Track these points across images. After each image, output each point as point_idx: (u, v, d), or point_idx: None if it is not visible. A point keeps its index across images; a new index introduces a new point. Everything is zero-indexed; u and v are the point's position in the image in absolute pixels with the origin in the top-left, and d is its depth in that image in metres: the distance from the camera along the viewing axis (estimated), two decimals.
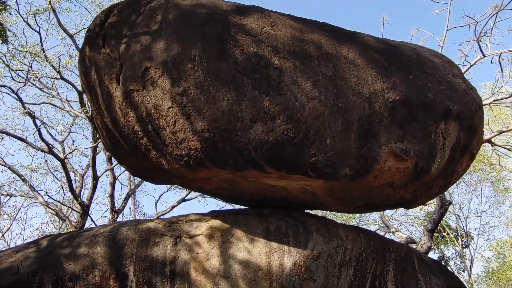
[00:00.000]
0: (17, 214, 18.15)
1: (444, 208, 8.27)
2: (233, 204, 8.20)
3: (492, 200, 20.15)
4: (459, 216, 20.09)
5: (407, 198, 5.29)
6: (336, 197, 5.00)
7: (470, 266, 19.67)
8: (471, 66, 9.05)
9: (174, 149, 4.49)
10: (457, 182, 20.71)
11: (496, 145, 10.19)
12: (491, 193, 20.49)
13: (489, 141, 9.19)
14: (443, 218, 21.32)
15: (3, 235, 17.23)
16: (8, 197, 15.82)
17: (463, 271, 21.02)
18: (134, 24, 4.77)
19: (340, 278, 4.99)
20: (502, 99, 8.97)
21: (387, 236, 11.94)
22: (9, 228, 17.19)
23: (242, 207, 5.84)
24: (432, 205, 15.09)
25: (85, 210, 11.79)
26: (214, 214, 5.18)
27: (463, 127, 4.93)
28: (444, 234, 20.69)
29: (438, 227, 20.56)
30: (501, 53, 8.85)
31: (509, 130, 9.23)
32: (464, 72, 8.99)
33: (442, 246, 21.49)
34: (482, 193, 20.15)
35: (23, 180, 12.46)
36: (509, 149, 10.39)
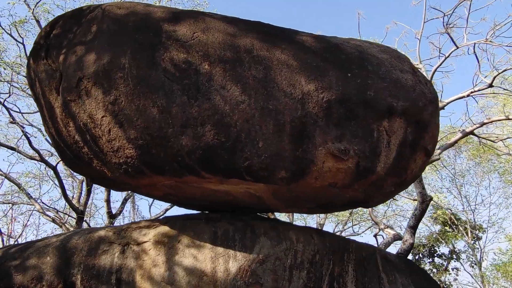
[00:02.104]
0: (28, 220, 18.48)
1: (425, 203, 8.10)
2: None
3: (500, 192, 19.69)
4: (464, 208, 19.71)
5: (360, 198, 5.20)
6: (282, 199, 4.95)
7: (480, 259, 19.27)
8: (446, 58, 8.84)
9: (112, 157, 4.50)
10: (464, 174, 20.36)
11: (480, 137, 9.94)
12: (499, 184, 20.05)
13: (472, 133, 8.97)
14: (452, 211, 20.97)
15: (16, 241, 17.57)
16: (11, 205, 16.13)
17: (475, 265, 20.64)
18: (74, 35, 4.79)
19: (292, 281, 4.94)
20: (479, 90, 8.74)
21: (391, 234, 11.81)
22: (21, 234, 17.51)
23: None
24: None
25: (80, 216, 11.92)
26: (163, 220, 5.18)
27: (411, 123, 4.82)
28: (453, 227, 20.33)
29: (447, 220, 20.25)
30: (474, 43, 8.60)
31: (491, 122, 9.01)
32: (440, 64, 8.83)
33: (452, 240, 21.14)
34: (490, 184, 19.70)
35: (20, 188, 12.67)
36: (493, 141, 10.13)
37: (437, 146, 9.55)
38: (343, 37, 5.25)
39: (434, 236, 21.12)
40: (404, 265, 6.10)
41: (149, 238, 4.92)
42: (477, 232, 21.96)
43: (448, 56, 8.73)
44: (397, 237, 9.86)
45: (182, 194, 5.01)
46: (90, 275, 4.77)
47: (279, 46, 4.47)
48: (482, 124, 8.97)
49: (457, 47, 8.53)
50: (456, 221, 20.08)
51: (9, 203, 14.17)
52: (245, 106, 4.20)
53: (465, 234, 19.42)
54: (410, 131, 4.83)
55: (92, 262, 4.83)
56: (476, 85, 8.64)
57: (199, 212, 5.54)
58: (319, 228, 16.85)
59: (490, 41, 8.68)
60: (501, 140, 10.39)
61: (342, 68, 4.55)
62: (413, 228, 8.20)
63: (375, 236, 10.84)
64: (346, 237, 6.29)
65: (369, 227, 16.45)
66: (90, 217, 15.86)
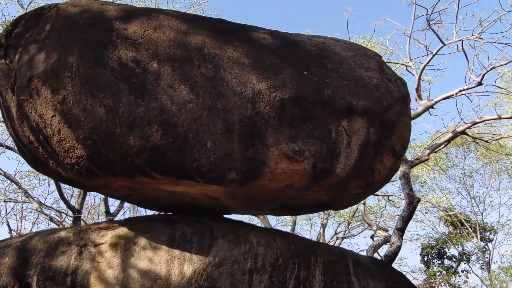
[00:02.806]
0: (36, 219, 18.69)
1: (412, 205, 7.87)
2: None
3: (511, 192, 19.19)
4: (473, 209, 19.28)
5: (325, 200, 5.04)
6: (240, 200, 4.83)
7: (489, 261, 18.83)
8: (433, 56, 8.54)
9: (64, 158, 4.44)
10: (471, 175, 19.90)
11: (473, 137, 9.61)
12: (509, 185, 19.55)
13: (464, 133, 8.68)
14: (461, 212, 20.52)
15: None
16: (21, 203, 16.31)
17: (485, 267, 20.21)
18: (31, 34, 4.74)
19: (252, 285, 4.82)
20: (468, 88, 8.44)
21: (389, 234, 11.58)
22: (30, 231, 17.72)
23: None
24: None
25: (76, 215, 11.97)
26: (123, 222, 5.11)
27: (373, 123, 4.65)
28: (462, 229, 19.94)
29: (456, 222, 19.83)
30: (462, 40, 8.29)
31: (483, 121, 8.70)
32: (428, 62, 8.55)
33: (462, 241, 20.74)
34: (500, 186, 19.24)
35: (19, 186, 12.79)
36: (486, 141, 9.78)
37: (426, 146, 9.32)
38: (308, 35, 5.11)
39: (443, 237, 20.74)
40: (378, 269, 5.91)
41: (106, 240, 4.85)
42: (488, 234, 21.50)
43: (435, 54, 8.44)
44: (388, 239, 9.63)
45: (140, 195, 4.93)
46: (46, 277, 4.72)
47: (232, 43, 4.35)
48: (474, 124, 8.69)
49: (444, 44, 8.25)
50: (465, 223, 19.67)
51: (9, 201, 14.31)
52: (192, 105, 4.09)
53: (474, 235, 18.99)
54: (373, 131, 4.66)
55: (49, 264, 4.78)
56: (469, 83, 8.35)
57: (161, 213, 5.45)
58: (323, 226, 16.67)
59: (479, 38, 8.38)
60: (495, 140, 10.06)
61: (298, 66, 4.40)
62: (400, 230, 7.99)
63: (372, 237, 10.61)
64: (317, 240, 6.11)
65: (365, 229, 16.17)
66: (88, 216, 15.93)
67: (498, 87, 9.02)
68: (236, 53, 4.28)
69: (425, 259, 21.51)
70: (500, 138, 10.16)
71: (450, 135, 8.48)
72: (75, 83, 4.18)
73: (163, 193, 4.77)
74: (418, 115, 8.60)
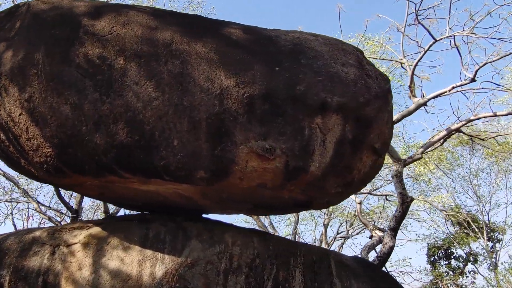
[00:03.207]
0: (42, 218, 18.75)
1: (405, 205, 7.70)
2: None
3: None
4: (479, 209, 18.97)
5: (303, 199, 4.92)
6: (214, 200, 4.73)
7: (496, 262, 18.50)
8: (426, 52, 8.32)
9: (33, 156, 4.38)
10: (476, 174, 19.57)
11: (468, 135, 9.38)
12: None
13: (458, 130, 8.47)
14: (468, 212, 20.19)
15: None
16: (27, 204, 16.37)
17: (491, 268, 19.87)
18: (3, 32, 4.69)
19: (227, 286, 4.72)
20: (461, 85, 8.22)
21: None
22: None
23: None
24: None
25: (74, 215, 11.96)
26: (98, 221, 5.04)
27: (349, 120, 4.52)
28: (469, 229, 19.62)
29: (463, 221, 19.53)
30: (454, 35, 8.07)
31: (478, 118, 8.48)
32: (420, 58, 8.35)
33: (469, 241, 20.41)
34: (507, 185, 18.88)
35: (17, 186, 12.83)
36: (482, 139, 9.53)
37: (420, 145, 9.12)
38: (285, 30, 4.98)
39: (449, 237, 20.43)
40: (364, 270, 5.77)
41: (79, 240, 4.78)
42: (496, 234, 21.15)
43: (427, 50, 8.24)
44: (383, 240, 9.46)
45: (114, 194, 4.85)
46: (19, 277, 4.66)
47: (201, 39, 4.25)
48: (469, 121, 8.47)
49: (435, 40, 8.05)
50: (472, 223, 19.36)
51: (8, 201, 14.36)
52: (158, 102, 4.00)
53: (480, 235, 18.68)
54: (349, 128, 4.53)
55: (22, 264, 4.72)
56: (465, 79, 8.14)
57: (138, 213, 5.37)
58: (325, 226, 16.51)
59: (472, 33, 8.15)
60: (492, 138, 9.80)
61: (270, 62, 4.29)
62: (393, 230, 7.84)
63: (370, 238, 10.44)
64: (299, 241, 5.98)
65: (363, 229, 15.96)
66: (88, 217, 15.95)
67: (495, 83, 8.81)
68: (205, 49, 4.19)
69: (432, 259, 21.23)
70: (497, 136, 9.91)
71: (444, 133, 8.29)
72: (41, 80, 4.12)
73: (135, 192, 4.69)
74: (410, 112, 8.41)
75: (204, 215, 5.48)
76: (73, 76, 4.08)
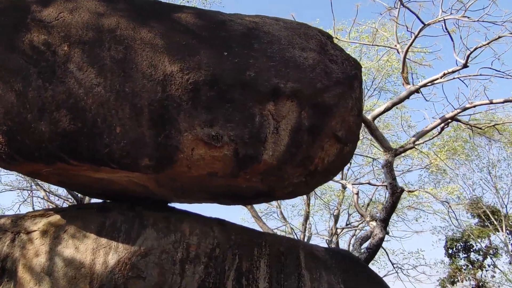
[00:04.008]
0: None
1: (395, 196, 7.46)
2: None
3: None
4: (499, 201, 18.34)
5: (263, 189, 4.80)
6: (170, 189, 4.66)
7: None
8: (416, 37, 7.95)
9: None
10: (494, 165, 18.87)
11: (465, 123, 8.97)
12: None
13: (455, 119, 8.11)
14: (487, 204, 19.55)
15: None
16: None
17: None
18: None
19: (184, 276, 4.64)
20: (453, 71, 7.83)
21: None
22: None
23: None
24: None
25: (79, 204, 12.14)
26: (59, 209, 5.05)
27: (306, 107, 4.37)
28: (489, 221, 19.05)
29: (483, 214, 18.95)
30: (444, 19, 7.68)
31: (473, 106, 8.09)
32: (411, 44, 7.99)
33: (489, 234, 19.84)
34: None
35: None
36: (480, 128, 9.07)
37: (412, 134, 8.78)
38: (244, 14, 4.84)
39: (469, 230, 19.88)
40: (336, 262, 5.61)
41: (38, 227, 4.79)
42: None
43: (417, 35, 7.86)
44: None
45: (73, 182, 4.85)
46: None
47: (148, 24, 4.16)
48: (464, 109, 8.11)
49: (424, 24, 7.68)
50: (491, 215, 18.77)
51: (17, 189, 14.64)
52: (100, 89, 3.94)
53: (499, 228, 18.09)
54: (305, 115, 4.38)
55: None
56: (465, 65, 7.77)
57: (102, 201, 5.35)
58: (335, 217, 16.29)
59: (464, 16, 7.74)
60: (489, 126, 9.36)
61: (218, 47, 4.17)
62: (383, 221, 7.62)
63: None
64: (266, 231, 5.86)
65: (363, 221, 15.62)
66: None
67: (495, 69, 8.38)
68: (151, 34, 4.09)
69: (450, 251, 20.74)
70: (495, 125, 9.46)
71: (438, 121, 7.97)
72: None
73: (91, 180, 4.66)
74: (401, 100, 8.11)
75: (173, 206, 5.42)
76: (18, 63, 4.06)
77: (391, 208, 7.54)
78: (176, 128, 3.98)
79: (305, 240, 16.09)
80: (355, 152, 15.23)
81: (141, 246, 4.53)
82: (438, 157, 12.18)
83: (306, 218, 16.38)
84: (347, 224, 16.00)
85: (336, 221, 16.04)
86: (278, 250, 5.26)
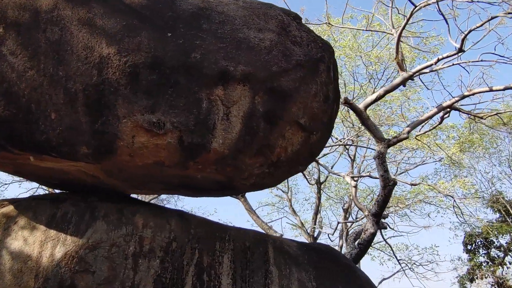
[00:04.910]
0: None
1: (387, 188, 7.06)
2: None
3: None
4: None
5: (221, 180, 4.53)
6: (121, 179, 4.43)
7: None
8: (408, 20, 7.40)
9: None
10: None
11: (464, 112, 8.39)
12: None
13: (453, 107, 7.59)
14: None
15: None
16: None
17: None
18: None
19: (138, 271, 4.42)
20: (447, 57, 7.29)
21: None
22: None
23: None
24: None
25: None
26: (14, 200, 4.88)
27: (260, 91, 4.06)
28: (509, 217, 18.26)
29: (504, 210, 18.20)
30: (437, 1, 7.11)
31: (472, 94, 7.54)
32: (403, 28, 7.45)
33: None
34: None
35: None
36: (481, 117, 8.45)
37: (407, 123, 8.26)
38: None
39: (489, 225, 19.13)
40: (308, 257, 5.30)
41: None
42: None
43: (409, 18, 7.32)
44: (381, 226, 8.83)
45: (26, 171, 4.67)
46: None
47: (88, 4, 3.91)
48: (463, 97, 7.58)
49: (415, 6, 7.19)
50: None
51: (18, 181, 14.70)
52: (33, 73, 3.72)
53: None
54: (260, 101, 4.08)
55: None
56: (467, 49, 7.25)
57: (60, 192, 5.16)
58: (344, 211, 15.87)
59: None
60: (491, 115, 8.74)
61: (162, 28, 3.90)
62: (375, 216, 7.25)
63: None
64: (225, 223, 5.57)
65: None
66: None
67: (498, 55, 7.80)
68: (90, 15, 3.85)
69: (469, 247, 20.02)
70: (497, 114, 8.85)
71: (435, 110, 7.50)
72: None
73: (42, 169, 4.47)
74: (394, 87, 7.65)
75: (137, 198, 5.20)
76: None
77: (383, 201, 7.15)
78: (114, 115, 3.74)
79: (315, 235, 15.75)
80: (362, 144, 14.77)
81: (90, 239, 4.32)
82: (443, 150, 11.61)
83: (317, 212, 16.00)
84: (356, 219, 15.55)
85: (345, 215, 15.62)
86: (244, 245, 4.98)
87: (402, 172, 15.36)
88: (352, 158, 15.33)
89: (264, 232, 10.95)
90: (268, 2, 4.69)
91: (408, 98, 13.74)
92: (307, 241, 14.55)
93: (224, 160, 4.17)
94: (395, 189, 16.39)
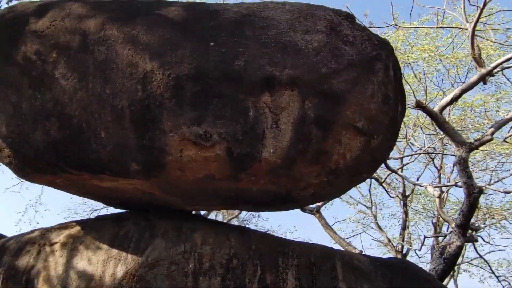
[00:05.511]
0: None
1: (472, 197, 6.40)
2: None
3: None
4: None
5: (279, 192, 4.33)
6: (176, 195, 4.38)
7: None
8: (482, 10, 6.61)
9: (2, 158, 4.50)
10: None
11: None
12: None
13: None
14: None
15: None
16: None
17: None
18: None
19: None
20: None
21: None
22: None
23: None
24: None
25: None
26: (81, 221, 5.02)
27: (309, 95, 3.85)
28: None
29: None
30: None
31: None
32: (477, 20, 6.73)
33: None
34: None
35: None
36: None
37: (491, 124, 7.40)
38: (252, 2, 4.46)
39: None
40: (382, 272, 4.89)
41: (59, 239, 4.79)
42: None
43: (483, 9, 6.59)
44: (471, 239, 8.08)
45: (88, 192, 4.79)
46: (10, 275, 4.82)
47: (132, 21, 3.97)
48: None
49: None
50: None
51: None
52: (82, 93, 3.81)
53: None
54: (310, 105, 3.86)
55: (14, 262, 4.88)
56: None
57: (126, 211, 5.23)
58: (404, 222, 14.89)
59: None
60: None
61: (204, 38, 3.84)
62: (461, 227, 6.63)
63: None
64: (290, 239, 5.30)
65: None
66: None
67: None
68: (134, 32, 3.89)
69: None
70: None
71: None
72: None
73: (102, 189, 4.55)
74: (471, 85, 6.97)
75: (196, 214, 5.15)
76: (13, 75, 4.09)
77: (468, 211, 6.52)
78: (160, 129, 3.70)
79: (404, 251, 14.87)
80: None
81: (149, 257, 4.30)
82: None
83: (404, 227, 15.15)
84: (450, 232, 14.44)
85: (436, 230, 14.60)
86: (309, 261, 4.70)
87: (497, 181, 14.10)
88: (439, 167, 14.36)
89: (343, 249, 10.49)
90: (316, 4, 4.48)
91: (497, 100, 12.67)
92: None
93: (277, 170, 3.97)
94: (491, 200, 15.16)
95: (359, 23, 4.52)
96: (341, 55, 3.99)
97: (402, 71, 13.53)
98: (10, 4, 4.84)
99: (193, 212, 6.05)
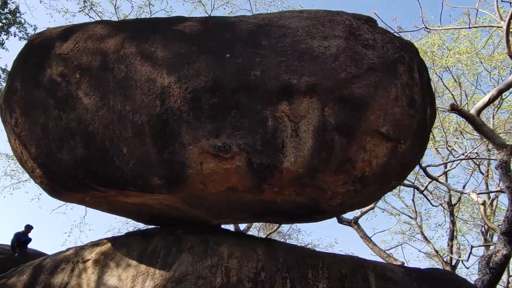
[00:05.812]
0: None
1: None
2: None
3: None
4: None
5: (307, 202, 4.24)
6: (201, 209, 4.35)
7: None
8: None
9: (34, 178, 4.65)
10: None
11: None
12: None
13: None
14: None
15: None
16: None
17: None
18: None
19: None
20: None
21: None
22: None
23: None
24: None
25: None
26: (112, 238, 5.07)
27: (329, 102, 3.76)
28: None
29: None
30: None
31: None
32: (511, 16, 6.39)
33: None
34: None
35: None
36: None
37: None
38: (270, 13, 4.44)
39: None
40: (418, 286, 4.69)
41: (91, 256, 4.87)
42: None
43: None
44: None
45: (117, 209, 4.85)
46: None
47: (151, 39, 4.02)
48: None
49: None
50: None
51: None
52: (104, 111, 3.88)
53: None
54: (331, 112, 3.77)
55: (50, 280, 4.99)
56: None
57: (154, 227, 5.25)
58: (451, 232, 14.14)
59: None
60: None
61: (220, 50, 3.84)
62: (506, 234, 6.29)
63: None
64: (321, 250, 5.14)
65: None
66: None
67: None
68: (152, 48, 3.94)
69: None
70: None
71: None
72: (20, 105, 4.35)
73: (130, 205, 4.61)
74: (508, 86, 6.62)
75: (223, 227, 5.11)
76: (40, 97, 4.21)
77: None
78: (179, 143, 3.70)
79: (452, 263, 14.25)
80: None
81: (176, 272, 4.28)
82: None
83: (452, 237, 14.53)
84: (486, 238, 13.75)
85: (486, 238, 13.92)
86: (340, 272, 4.56)
87: None
88: (485, 173, 13.74)
89: (383, 261, 10.16)
90: (335, 10, 4.41)
91: None
92: None
93: (300, 180, 3.89)
94: None
95: (381, 26, 4.40)
96: (360, 59, 3.89)
97: (440, 76, 13.22)
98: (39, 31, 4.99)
99: (227, 227, 6.01)
